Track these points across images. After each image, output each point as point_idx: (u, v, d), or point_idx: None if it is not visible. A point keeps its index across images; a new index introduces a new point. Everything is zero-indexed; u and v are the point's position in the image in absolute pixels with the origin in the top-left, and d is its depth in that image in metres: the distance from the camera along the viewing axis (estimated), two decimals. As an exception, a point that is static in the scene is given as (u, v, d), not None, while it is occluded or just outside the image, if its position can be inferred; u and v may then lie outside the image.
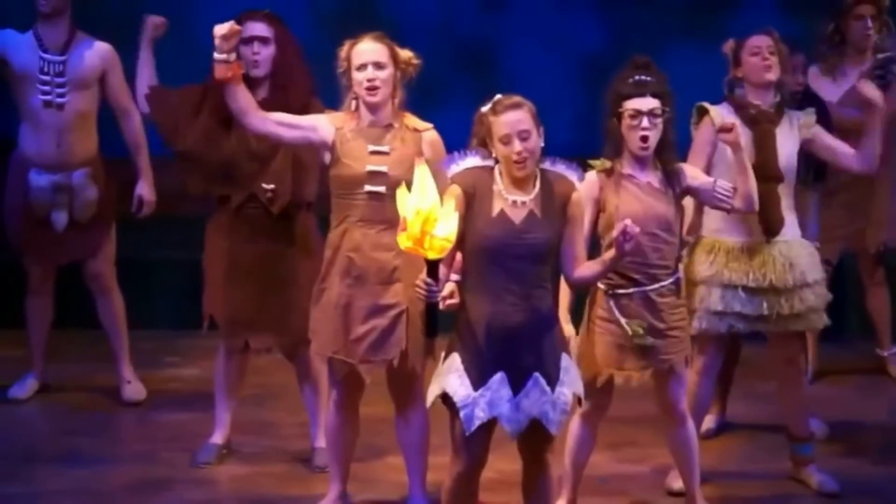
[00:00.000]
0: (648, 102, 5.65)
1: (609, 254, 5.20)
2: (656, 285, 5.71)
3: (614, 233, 5.13)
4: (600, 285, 5.70)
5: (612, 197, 5.69)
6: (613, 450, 6.63)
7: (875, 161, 6.32)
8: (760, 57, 6.16)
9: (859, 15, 7.23)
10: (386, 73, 5.67)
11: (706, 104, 6.24)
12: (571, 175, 5.26)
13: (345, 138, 5.69)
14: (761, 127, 6.18)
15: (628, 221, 5.08)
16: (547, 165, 5.24)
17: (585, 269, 5.24)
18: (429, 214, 4.87)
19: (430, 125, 5.76)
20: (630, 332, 5.66)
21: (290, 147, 6.11)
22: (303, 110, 6.06)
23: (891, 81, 7.19)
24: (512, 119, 5.12)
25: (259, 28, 6.25)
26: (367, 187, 5.66)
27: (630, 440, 6.77)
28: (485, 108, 5.23)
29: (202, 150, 6.26)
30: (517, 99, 5.18)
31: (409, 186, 4.92)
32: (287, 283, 6.29)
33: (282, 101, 6.12)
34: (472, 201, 5.16)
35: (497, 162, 5.20)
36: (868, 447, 6.89)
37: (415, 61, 5.75)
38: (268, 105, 6.02)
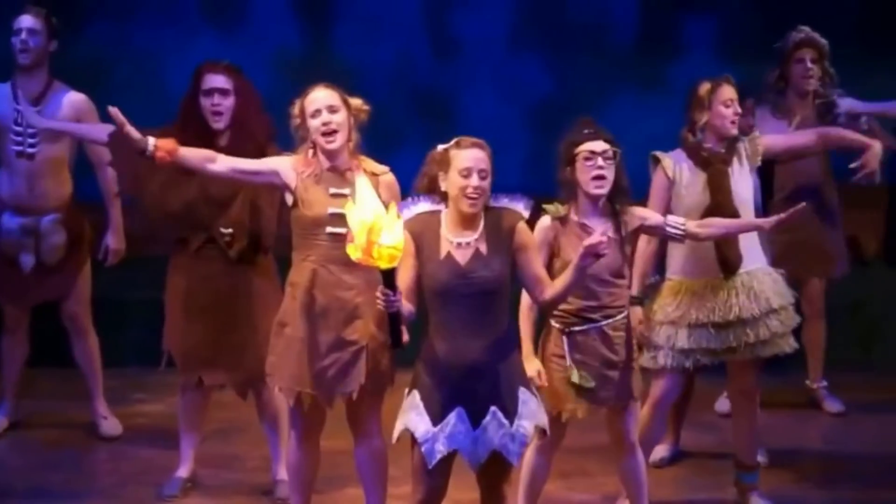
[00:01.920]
0: (601, 145, 5.65)
1: (574, 259, 5.16)
2: (609, 320, 5.70)
3: (587, 241, 5.11)
4: (555, 324, 5.69)
5: (567, 246, 5.65)
6: (565, 478, 6.61)
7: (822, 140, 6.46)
8: (732, 110, 6.17)
9: (800, 59, 7.28)
10: (341, 117, 5.65)
11: (658, 153, 6.26)
12: (516, 205, 5.26)
13: (305, 184, 5.68)
14: (714, 168, 6.19)
15: (604, 238, 5.08)
16: (490, 203, 5.24)
17: (555, 285, 5.20)
18: (373, 224, 4.85)
19: (386, 168, 5.75)
20: (575, 378, 5.64)
21: (250, 191, 6.09)
22: (259, 155, 6.05)
23: (840, 124, 7.27)
24: (475, 156, 5.15)
25: (219, 80, 6.23)
26: (329, 229, 5.64)
27: (581, 469, 6.76)
28: (442, 147, 5.23)
29: (163, 195, 6.25)
30: (480, 140, 5.21)
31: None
32: (241, 324, 6.28)
33: (241, 148, 6.11)
34: (422, 246, 5.17)
35: (446, 206, 5.20)
36: (806, 474, 6.89)
37: (365, 107, 5.73)
38: (228, 153, 6.01)
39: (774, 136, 6.54)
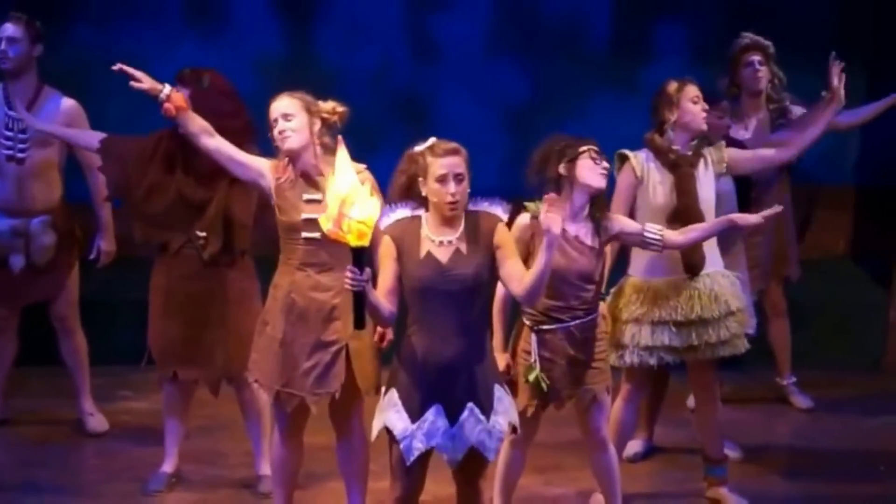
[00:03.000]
0: (597, 148, 5.72)
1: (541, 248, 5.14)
2: (577, 321, 5.73)
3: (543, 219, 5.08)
4: (525, 321, 5.72)
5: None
6: (540, 473, 6.64)
7: (799, 151, 6.38)
8: (700, 106, 6.19)
9: (748, 62, 7.32)
10: (296, 122, 5.66)
11: (626, 151, 6.28)
12: (495, 209, 5.26)
13: (281, 189, 5.71)
14: (681, 171, 6.21)
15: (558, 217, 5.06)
16: (470, 206, 5.25)
17: (530, 272, 5.15)
18: (346, 197, 4.84)
19: (362, 166, 5.74)
20: (531, 376, 5.66)
21: (224, 196, 6.21)
22: (243, 142, 6.10)
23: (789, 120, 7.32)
24: (450, 162, 5.14)
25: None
26: (304, 234, 5.67)
27: (556, 464, 6.78)
28: (419, 148, 5.23)
29: (147, 200, 6.31)
30: (455, 145, 5.20)
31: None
32: (215, 322, 6.32)
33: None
34: (402, 248, 5.18)
35: (426, 209, 5.22)
36: (776, 468, 6.94)
37: (339, 110, 5.74)
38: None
39: (747, 154, 6.44)
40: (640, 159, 6.23)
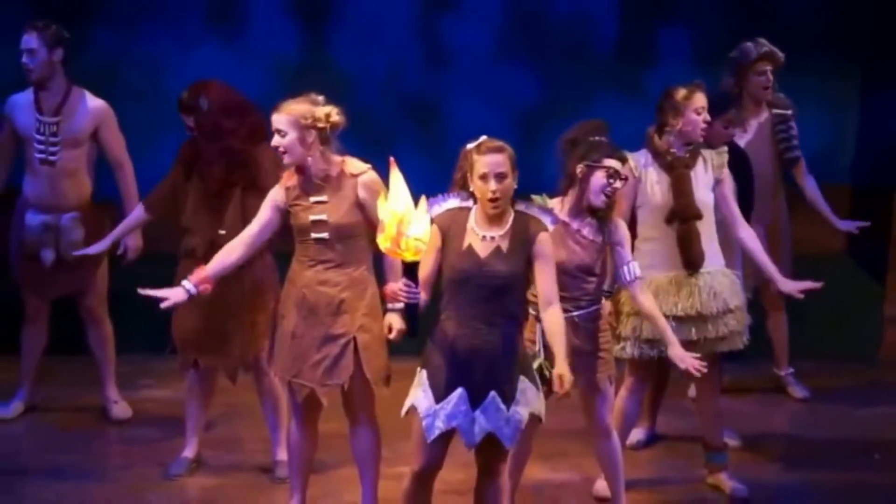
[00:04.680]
0: (620, 166, 5.72)
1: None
2: (580, 311, 5.76)
3: None
4: (531, 311, 5.75)
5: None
6: (546, 460, 6.67)
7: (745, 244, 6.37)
8: (702, 118, 6.19)
9: (761, 71, 7.33)
10: (287, 140, 5.69)
11: (626, 153, 6.29)
12: (545, 218, 5.30)
13: (292, 194, 5.76)
14: (677, 172, 6.22)
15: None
16: (522, 208, 5.29)
17: (545, 319, 5.29)
18: (403, 216, 4.91)
19: (366, 167, 5.76)
20: (535, 364, 5.67)
21: (240, 194, 6.30)
22: (248, 160, 6.26)
23: (792, 136, 7.33)
24: (492, 161, 5.17)
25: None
26: (313, 234, 5.72)
27: (562, 451, 6.81)
28: (470, 145, 5.27)
29: (178, 213, 6.42)
30: (500, 143, 5.23)
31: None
32: (233, 314, 6.37)
33: (216, 152, 6.29)
34: (447, 238, 5.23)
35: (475, 202, 5.25)
36: (774, 456, 6.96)
37: (333, 119, 5.70)
38: (206, 160, 6.27)
39: (727, 198, 6.33)
40: (638, 160, 6.25)
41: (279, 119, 5.72)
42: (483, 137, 5.26)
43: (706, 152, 6.30)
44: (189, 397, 6.60)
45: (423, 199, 5.07)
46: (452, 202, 5.29)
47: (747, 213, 6.57)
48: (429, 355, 5.28)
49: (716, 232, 6.29)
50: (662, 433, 7.12)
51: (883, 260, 8.67)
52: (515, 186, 5.23)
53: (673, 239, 6.19)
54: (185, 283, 5.76)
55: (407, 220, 4.91)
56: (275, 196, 5.82)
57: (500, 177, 5.18)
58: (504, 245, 5.22)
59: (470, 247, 5.21)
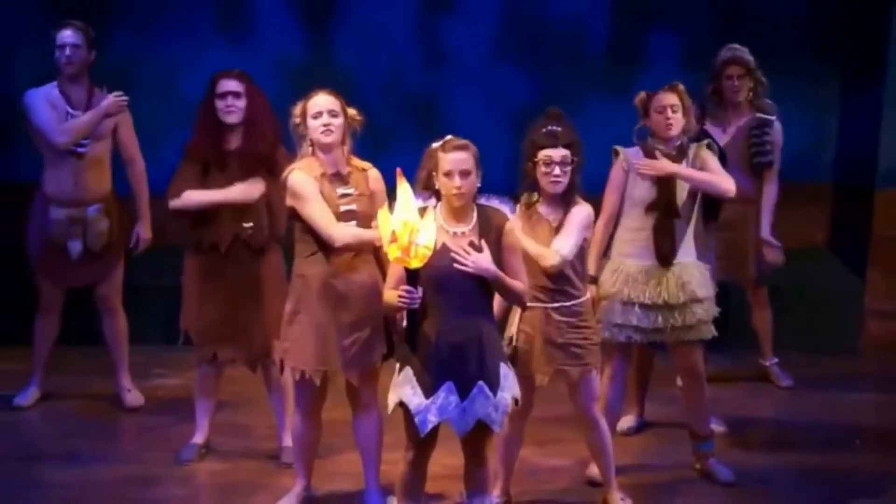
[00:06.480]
0: (560, 152, 5.71)
1: None
2: (555, 304, 5.79)
3: None
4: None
5: (530, 232, 5.76)
6: (540, 446, 6.69)
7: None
8: (664, 116, 6.21)
9: (728, 75, 7.36)
10: (339, 121, 5.73)
11: (619, 147, 6.35)
12: (504, 208, 5.34)
13: (323, 185, 5.74)
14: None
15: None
16: (482, 201, 5.33)
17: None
18: (414, 225, 4.95)
19: (370, 164, 5.83)
20: (506, 345, 5.69)
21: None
22: (271, 153, 6.21)
23: (766, 142, 7.34)
24: (456, 158, 5.21)
25: (232, 84, 6.33)
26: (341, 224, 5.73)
27: (555, 437, 6.83)
28: (435, 145, 5.30)
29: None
30: (464, 142, 5.26)
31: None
32: (252, 306, 6.38)
33: (253, 145, 6.25)
34: None
35: (438, 200, 5.28)
36: (758, 442, 6.98)
37: (358, 118, 5.78)
38: (242, 150, 6.21)
39: (714, 169, 6.33)
40: (628, 155, 6.30)
41: (331, 101, 5.72)
42: (447, 137, 5.29)
43: (692, 148, 6.32)
44: (199, 388, 6.61)
45: (429, 209, 5.10)
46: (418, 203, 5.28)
47: (715, 214, 6.64)
48: (409, 352, 5.27)
49: (692, 227, 6.32)
50: (651, 420, 7.14)
51: (863, 255, 8.71)
52: (479, 184, 5.25)
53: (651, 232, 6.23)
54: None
55: (416, 230, 4.95)
56: (315, 184, 5.71)
57: (464, 174, 5.20)
58: (475, 239, 5.24)
59: (444, 245, 5.22)
